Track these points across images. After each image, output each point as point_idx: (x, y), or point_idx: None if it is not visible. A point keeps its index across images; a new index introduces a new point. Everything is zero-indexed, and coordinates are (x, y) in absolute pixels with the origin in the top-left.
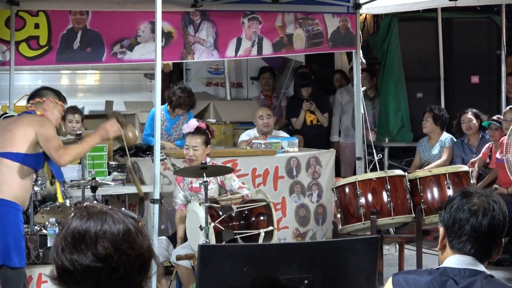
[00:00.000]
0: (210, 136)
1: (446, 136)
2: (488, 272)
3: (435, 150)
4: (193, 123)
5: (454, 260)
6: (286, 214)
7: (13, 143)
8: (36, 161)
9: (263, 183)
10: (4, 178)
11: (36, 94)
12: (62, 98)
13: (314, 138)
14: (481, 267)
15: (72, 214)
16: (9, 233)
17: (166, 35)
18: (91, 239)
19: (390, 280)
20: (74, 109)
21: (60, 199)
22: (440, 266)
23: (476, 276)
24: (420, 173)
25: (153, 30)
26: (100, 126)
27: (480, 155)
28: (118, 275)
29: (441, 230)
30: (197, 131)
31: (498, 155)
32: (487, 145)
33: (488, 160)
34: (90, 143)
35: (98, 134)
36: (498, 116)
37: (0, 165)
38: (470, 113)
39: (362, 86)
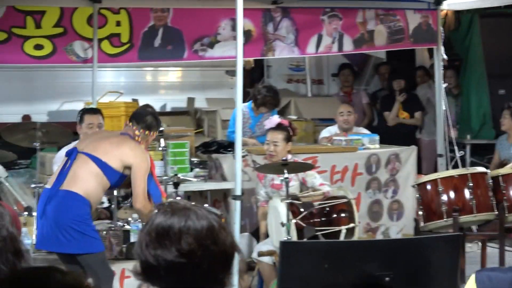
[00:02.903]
0: (292, 133)
1: None
2: None
3: None
4: (275, 119)
5: None
6: (359, 209)
7: (106, 153)
8: (116, 179)
9: (340, 179)
10: (84, 176)
11: (147, 124)
12: (158, 128)
13: (403, 136)
14: None
15: (156, 210)
16: (77, 224)
17: (246, 33)
18: (175, 235)
19: (473, 277)
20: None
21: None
22: None
23: None
24: (502, 170)
25: (233, 28)
26: None
27: None
28: (201, 271)
29: None
30: (279, 127)
31: None
32: None
33: None
34: None
35: None
36: None
37: (85, 165)
38: None
39: (445, 83)
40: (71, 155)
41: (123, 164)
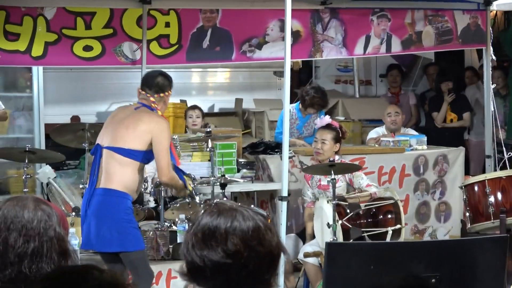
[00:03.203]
0: (341, 136)
1: None
2: None
3: None
4: (326, 119)
5: None
6: (407, 211)
7: (126, 140)
8: (146, 157)
9: (388, 181)
10: (116, 171)
11: (159, 86)
12: (171, 85)
13: (452, 137)
14: None
15: (203, 211)
16: (118, 221)
17: (294, 34)
18: (221, 236)
19: None
20: (194, 107)
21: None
22: None
23: None
24: None
25: (282, 29)
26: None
27: None
28: (247, 271)
29: None
30: (329, 126)
31: None
32: None
33: None
34: (180, 187)
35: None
36: None
37: (112, 159)
38: None
39: (493, 84)
40: (96, 153)
41: (146, 142)
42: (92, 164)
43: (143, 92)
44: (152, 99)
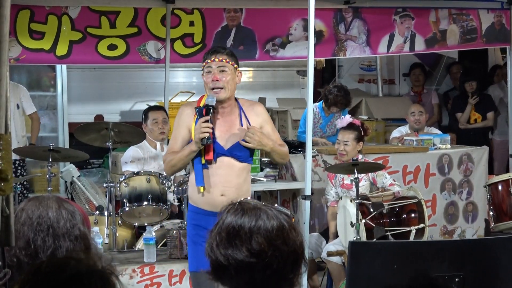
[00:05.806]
0: (363, 134)
1: None
2: None
3: None
4: (347, 119)
5: None
6: (435, 212)
7: None
8: None
9: (414, 180)
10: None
11: None
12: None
13: (476, 136)
14: None
15: (227, 210)
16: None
17: (317, 34)
18: (245, 235)
19: None
20: None
21: None
22: None
23: None
24: None
25: (305, 28)
26: None
27: None
28: (271, 270)
29: None
30: (350, 126)
31: None
32: None
33: None
34: (184, 152)
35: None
36: None
37: None
38: None
39: None
40: None
41: None
42: None
43: None
44: None
